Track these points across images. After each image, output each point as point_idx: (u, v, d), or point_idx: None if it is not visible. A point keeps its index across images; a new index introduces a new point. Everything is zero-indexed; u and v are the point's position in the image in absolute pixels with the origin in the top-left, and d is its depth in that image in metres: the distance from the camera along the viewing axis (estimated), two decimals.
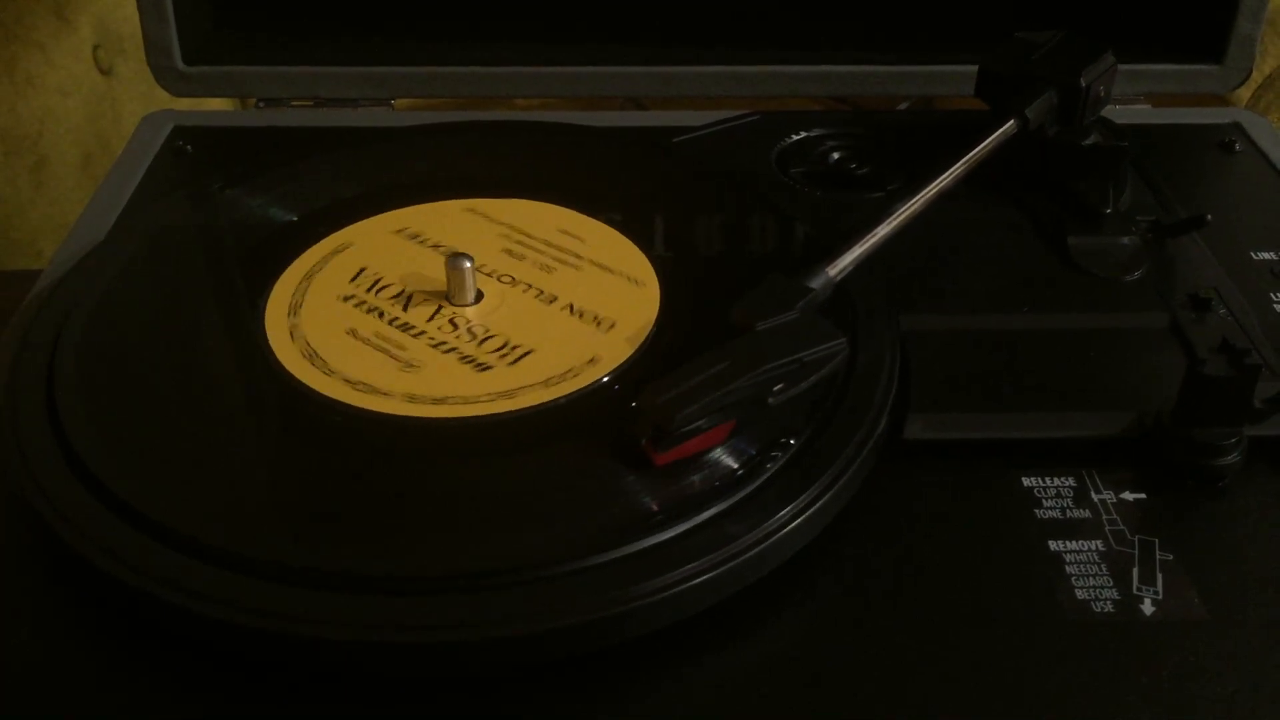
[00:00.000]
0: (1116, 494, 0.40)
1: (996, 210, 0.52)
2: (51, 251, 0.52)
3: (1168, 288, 0.48)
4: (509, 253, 0.48)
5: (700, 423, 0.37)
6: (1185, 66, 0.63)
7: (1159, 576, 0.38)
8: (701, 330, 0.41)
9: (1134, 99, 0.63)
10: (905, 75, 0.63)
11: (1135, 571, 0.38)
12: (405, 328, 0.44)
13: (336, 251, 0.48)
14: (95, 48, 0.89)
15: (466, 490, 0.38)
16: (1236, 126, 0.60)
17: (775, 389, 0.38)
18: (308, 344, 0.43)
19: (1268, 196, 0.55)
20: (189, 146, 0.59)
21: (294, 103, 0.63)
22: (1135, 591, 0.37)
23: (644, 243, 0.49)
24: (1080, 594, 0.37)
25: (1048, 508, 0.40)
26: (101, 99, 0.89)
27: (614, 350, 0.43)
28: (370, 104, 0.63)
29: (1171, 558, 0.38)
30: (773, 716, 0.34)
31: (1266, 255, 0.50)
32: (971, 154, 0.49)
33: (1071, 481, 0.41)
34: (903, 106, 0.82)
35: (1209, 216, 0.49)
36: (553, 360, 0.42)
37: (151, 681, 0.34)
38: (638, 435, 0.37)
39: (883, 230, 0.45)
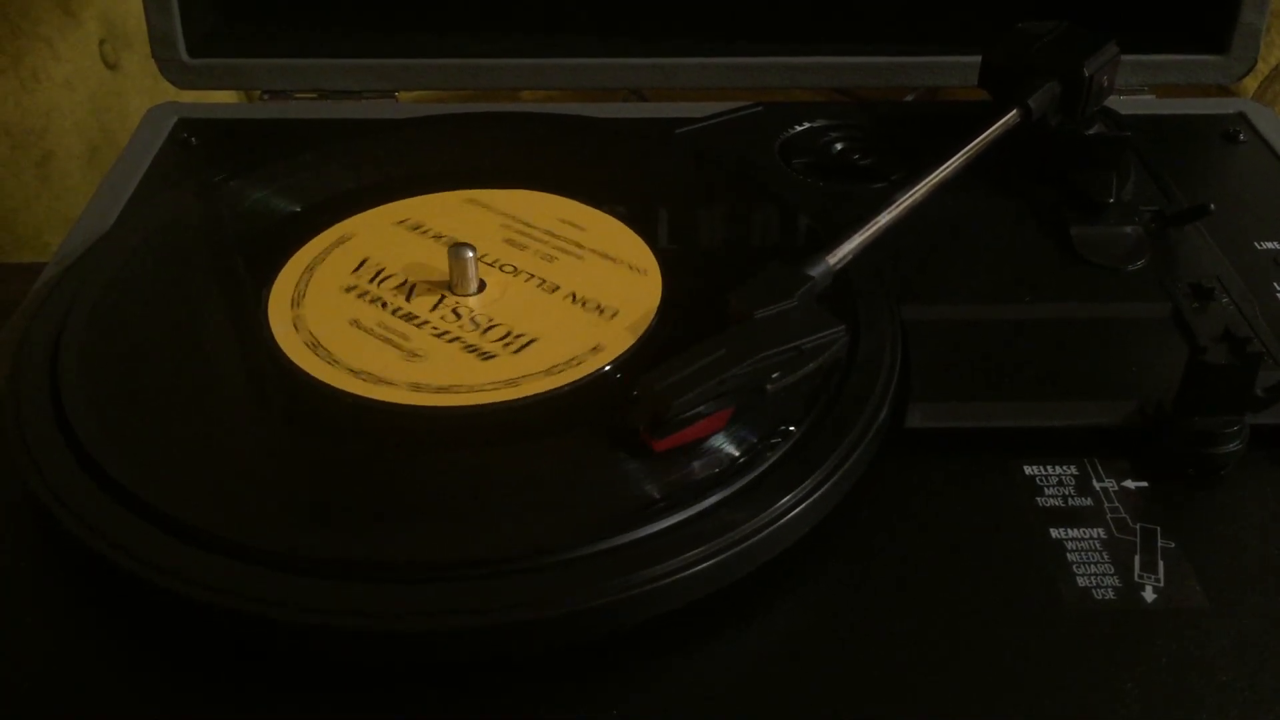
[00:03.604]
0: (1118, 482, 0.40)
1: (999, 200, 0.52)
2: (57, 245, 0.52)
3: (1170, 277, 0.47)
4: (511, 243, 0.48)
5: (699, 409, 0.37)
6: (1189, 57, 0.62)
7: (1160, 564, 0.38)
8: (705, 318, 0.41)
9: (1138, 89, 0.63)
10: (908, 66, 0.63)
11: (1137, 559, 0.38)
12: (408, 317, 0.44)
13: (340, 242, 0.48)
14: (101, 42, 0.89)
15: (470, 478, 0.38)
16: (1241, 117, 0.60)
17: (773, 376, 0.38)
18: (311, 334, 0.43)
19: (1272, 187, 0.55)
20: (193, 139, 0.59)
21: (298, 95, 0.63)
22: (1136, 579, 0.37)
23: (647, 233, 0.49)
24: (1082, 582, 0.37)
25: (1049, 496, 0.40)
26: (107, 93, 0.89)
27: (617, 338, 0.43)
28: (374, 96, 0.63)
29: (1173, 546, 0.38)
30: (774, 704, 0.34)
31: (1270, 245, 0.50)
32: (974, 144, 0.49)
33: (1073, 470, 0.41)
34: (909, 98, 0.81)
35: (1212, 206, 0.49)
36: (556, 348, 0.43)
37: (159, 672, 0.35)
38: (636, 422, 0.37)
39: (884, 219, 0.45)
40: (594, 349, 0.42)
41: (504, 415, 0.40)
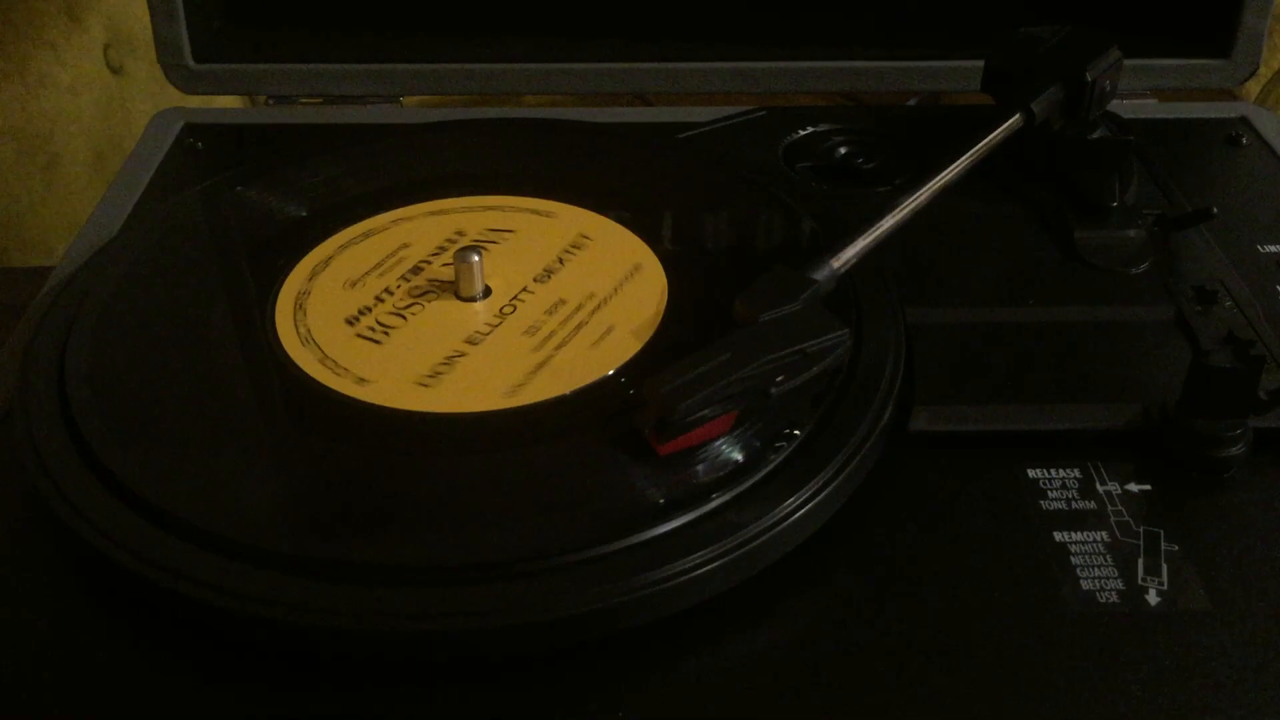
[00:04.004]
0: (1122, 485, 0.40)
1: (1002, 204, 0.53)
2: (63, 249, 0.52)
3: (1174, 281, 0.48)
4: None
5: (704, 413, 0.37)
6: (1192, 61, 0.63)
7: (1164, 567, 0.38)
8: (709, 324, 0.41)
9: (1141, 93, 0.63)
10: (912, 71, 0.63)
11: (1140, 562, 0.38)
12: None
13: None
14: (106, 47, 0.89)
15: (474, 483, 0.38)
16: (1243, 120, 0.60)
17: (777, 380, 0.38)
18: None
19: (1275, 190, 0.55)
20: (199, 143, 0.59)
21: (303, 100, 0.64)
22: (1140, 582, 0.37)
23: (652, 237, 0.49)
24: (1085, 584, 0.37)
25: (1053, 499, 0.40)
26: (112, 98, 0.89)
27: (384, 388, 0.42)
28: (379, 101, 0.63)
29: (1176, 549, 0.38)
30: (776, 706, 0.34)
31: (1273, 248, 0.50)
32: (977, 147, 0.49)
33: (1077, 473, 0.41)
34: (911, 102, 0.82)
35: (1215, 209, 0.49)
36: (369, 362, 0.43)
37: (163, 673, 0.35)
38: (641, 426, 0.38)
39: (888, 223, 0.45)
40: (360, 380, 0.42)
41: (510, 421, 0.40)
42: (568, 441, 0.39)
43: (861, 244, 0.44)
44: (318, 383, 0.42)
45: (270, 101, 0.64)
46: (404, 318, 0.45)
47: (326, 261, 0.48)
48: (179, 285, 0.47)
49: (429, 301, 0.45)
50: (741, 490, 0.37)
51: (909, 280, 0.47)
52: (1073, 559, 0.38)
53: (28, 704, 0.34)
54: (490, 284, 0.46)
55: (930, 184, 0.47)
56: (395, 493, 0.38)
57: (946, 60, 0.63)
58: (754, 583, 0.36)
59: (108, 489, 0.38)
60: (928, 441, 0.41)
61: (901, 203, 0.46)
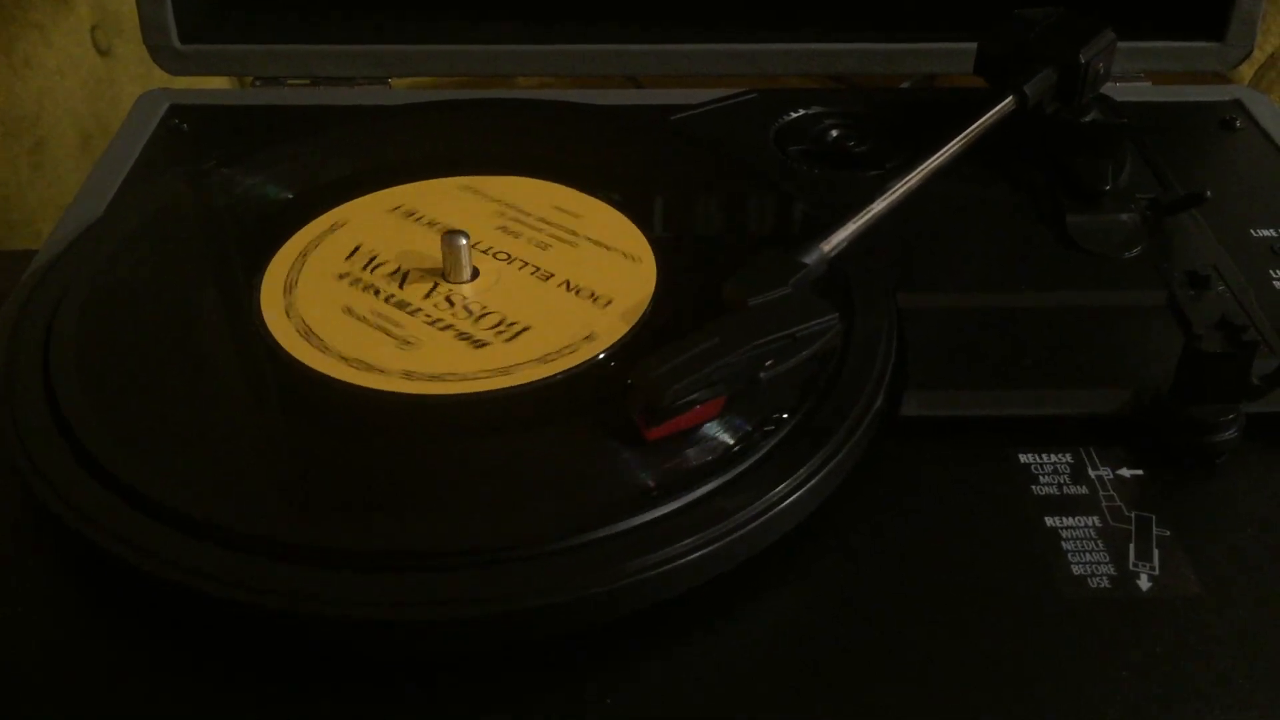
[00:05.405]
0: (1114, 470, 0.40)
1: (995, 188, 0.52)
2: (49, 232, 0.52)
3: (1166, 265, 0.47)
4: (505, 230, 0.48)
5: (692, 397, 0.37)
6: (1186, 44, 0.62)
7: (1155, 552, 0.38)
8: (698, 306, 0.41)
9: (1135, 76, 0.63)
10: (904, 53, 0.63)
11: (1132, 548, 0.38)
12: (401, 305, 0.44)
13: (332, 229, 0.48)
14: (93, 28, 0.88)
15: (463, 467, 0.38)
16: (1237, 104, 0.60)
17: (766, 364, 0.38)
18: (303, 321, 0.43)
19: (1268, 174, 0.55)
20: (185, 125, 0.59)
21: (291, 81, 0.63)
22: (1131, 567, 0.37)
23: (641, 220, 0.48)
24: (1077, 570, 0.37)
25: (1045, 484, 0.40)
26: (100, 79, 0.89)
27: (610, 326, 0.43)
28: (367, 82, 0.63)
29: (1168, 534, 0.38)
30: (767, 694, 0.34)
31: (1266, 233, 0.50)
32: (969, 131, 0.49)
33: (1069, 458, 0.41)
34: (904, 85, 0.81)
35: (1208, 194, 0.49)
36: (549, 336, 0.42)
37: (158, 666, 0.35)
38: (630, 410, 0.37)
39: (878, 207, 0.45)
40: (587, 337, 0.42)
41: (497, 404, 0.40)
42: (554, 425, 0.39)
43: (852, 228, 0.44)
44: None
45: (257, 83, 0.64)
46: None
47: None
48: (163, 267, 0.47)
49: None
50: (732, 476, 0.37)
51: (900, 264, 0.47)
52: (1064, 544, 0.38)
53: (17, 698, 0.34)
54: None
55: (922, 167, 0.47)
56: (377, 477, 0.38)
57: (939, 43, 0.62)
58: (744, 568, 0.36)
59: (91, 473, 0.37)
60: (919, 426, 0.41)
61: (893, 186, 0.46)
